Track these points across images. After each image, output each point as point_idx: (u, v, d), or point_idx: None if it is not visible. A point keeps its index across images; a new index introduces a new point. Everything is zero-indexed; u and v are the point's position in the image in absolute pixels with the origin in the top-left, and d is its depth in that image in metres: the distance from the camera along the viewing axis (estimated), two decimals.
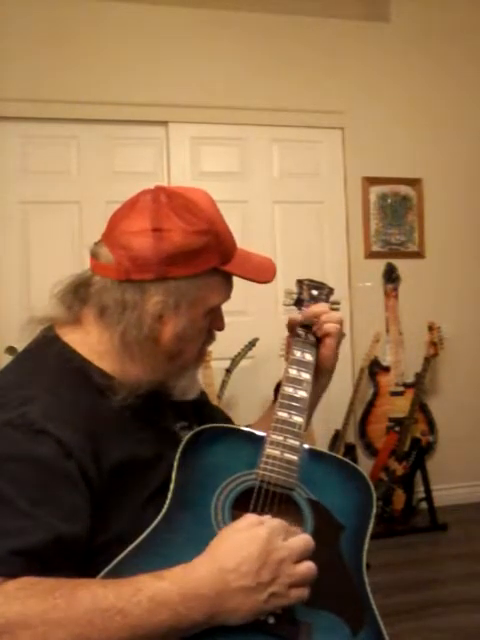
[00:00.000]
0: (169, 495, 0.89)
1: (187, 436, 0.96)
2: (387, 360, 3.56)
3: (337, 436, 3.33)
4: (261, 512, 0.87)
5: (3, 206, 3.15)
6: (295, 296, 1.15)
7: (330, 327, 1.06)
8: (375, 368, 3.52)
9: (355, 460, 3.34)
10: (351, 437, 3.48)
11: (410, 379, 3.52)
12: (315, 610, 0.81)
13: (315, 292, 1.15)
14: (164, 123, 3.34)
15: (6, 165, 3.16)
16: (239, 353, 3.17)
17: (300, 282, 1.17)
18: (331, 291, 1.17)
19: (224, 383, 3.17)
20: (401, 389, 3.52)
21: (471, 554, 2.95)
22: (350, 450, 3.35)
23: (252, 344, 3.19)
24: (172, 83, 3.31)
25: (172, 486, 0.90)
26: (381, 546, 2.96)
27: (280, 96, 3.44)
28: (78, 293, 0.94)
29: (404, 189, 3.64)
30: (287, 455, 0.93)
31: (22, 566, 0.73)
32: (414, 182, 3.64)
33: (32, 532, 0.75)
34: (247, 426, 1.15)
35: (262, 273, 0.99)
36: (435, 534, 3.22)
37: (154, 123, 3.33)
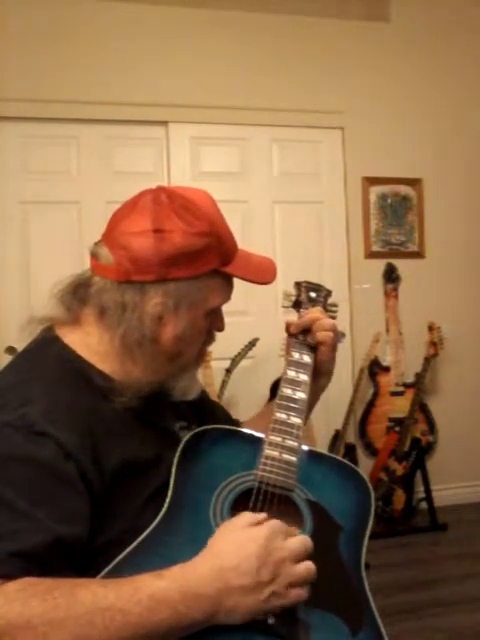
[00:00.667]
0: (168, 496, 0.89)
1: (186, 437, 0.96)
2: (387, 360, 3.56)
3: (337, 436, 3.33)
4: (260, 513, 0.87)
5: (3, 206, 3.15)
6: (293, 298, 1.15)
7: (323, 336, 1.06)
8: (375, 368, 3.52)
9: (355, 460, 3.34)
10: (351, 437, 3.48)
11: (410, 379, 3.52)
12: (314, 610, 0.81)
13: (313, 294, 1.16)
14: (164, 123, 3.34)
15: (6, 165, 3.16)
16: (239, 353, 3.17)
17: (298, 284, 1.17)
18: (329, 293, 1.17)
19: (224, 383, 3.17)
20: (401, 389, 3.52)
21: (471, 554, 2.95)
22: (350, 450, 3.35)
23: (252, 344, 3.19)
24: (172, 83, 3.31)
25: (171, 487, 0.90)
26: (381, 546, 2.97)
27: (280, 96, 3.44)
28: (78, 294, 0.94)
29: (404, 189, 3.64)
30: (286, 456, 0.93)
31: (22, 567, 0.73)
32: (414, 182, 3.64)
33: (32, 533, 0.75)
34: (240, 424, 1.16)
35: (263, 274, 0.99)
36: (435, 534, 3.22)
37: (154, 123, 3.33)
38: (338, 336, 1.08)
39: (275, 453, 0.93)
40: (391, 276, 3.60)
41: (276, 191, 3.49)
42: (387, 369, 3.54)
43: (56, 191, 3.21)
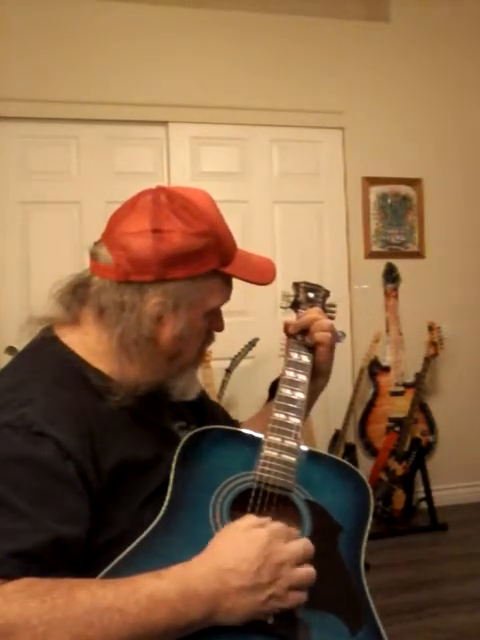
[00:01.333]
0: (167, 496, 0.89)
1: (185, 437, 0.96)
2: (387, 360, 3.56)
3: (337, 436, 3.33)
4: (259, 513, 0.87)
5: (3, 206, 3.15)
6: (291, 299, 1.15)
7: (321, 336, 1.07)
8: (375, 368, 3.52)
9: (355, 460, 3.34)
10: (351, 437, 3.48)
11: (410, 379, 3.52)
12: (314, 610, 0.81)
13: (311, 294, 1.16)
14: (164, 123, 3.34)
15: (6, 165, 3.16)
16: (239, 353, 3.17)
17: (296, 285, 1.18)
18: (327, 293, 1.17)
19: (224, 383, 3.17)
20: (401, 389, 3.52)
21: (471, 554, 2.95)
22: (350, 450, 3.35)
23: (252, 344, 3.19)
24: (172, 83, 3.31)
25: (170, 487, 0.90)
26: (381, 546, 2.97)
27: (280, 96, 3.44)
28: (77, 293, 0.94)
29: (404, 189, 3.64)
30: (285, 456, 0.93)
31: (21, 568, 0.73)
32: (414, 182, 3.64)
33: (31, 534, 0.75)
34: (239, 424, 1.16)
35: (262, 275, 0.99)
36: (435, 534, 3.22)
37: (154, 123, 3.33)
38: (336, 336, 1.08)
39: (274, 453, 0.93)
40: (391, 276, 3.60)
41: (276, 191, 3.49)
42: (387, 369, 3.54)
43: (56, 191, 3.21)
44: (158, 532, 0.85)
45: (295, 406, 0.99)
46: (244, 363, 3.23)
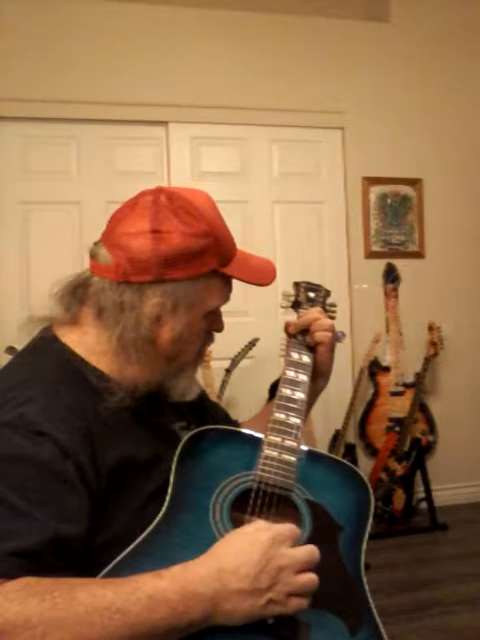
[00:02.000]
0: (168, 496, 0.89)
1: (185, 437, 0.96)
2: (387, 360, 3.56)
3: (337, 436, 3.33)
4: (259, 513, 0.87)
5: (3, 206, 3.15)
6: (292, 298, 1.15)
7: (321, 336, 1.07)
8: (375, 368, 3.52)
9: (355, 460, 3.34)
10: (351, 437, 3.48)
11: (410, 379, 3.52)
12: (314, 610, 0.81)
13: (312, 294, 1.16)
14: (164, 123, 3.35)
15: (6, 165, 3.16)
16: (239, 353, 3.17)
17: (297, 284, 1.18)
18: (328, 293, 1.17)
19: (224, 383, 3.17)
20: (401, 389, 3.52)
21: (471, 554, 2.95)
22: (350, 450, 3.35)
23: (252, 344, 3.19)
24: (172, 83, 3.31)
25: (170, 487, 0.90)
26: (381, 546, 2.97)
27: (280, 96, 3.44)
28: (76, 293, 0.94)
29: (404, 189, 3.64)
30: (285, 456, 0.93)
31: (20, 567, 0.73)
32: (414, 182, 3.64)
33: (30, 533, 0.75)
34: (240, 424, 1.16)
35: (261, 276, 0.99)
36: (435, 534, 3.22)
37: (154, 123, 3.33)
38: (337, 336, 1.08)
39: (274, 453, 0.93)
40: (391, 276, 3.60)
41: (276, 191, 3.49)
42: (387, 369, 3.54)
43: (56, 191, 3.21)
44: (158, 532, 0.85)
45: (295, 406, 0.99)
46: (244, 363, 3.23)
